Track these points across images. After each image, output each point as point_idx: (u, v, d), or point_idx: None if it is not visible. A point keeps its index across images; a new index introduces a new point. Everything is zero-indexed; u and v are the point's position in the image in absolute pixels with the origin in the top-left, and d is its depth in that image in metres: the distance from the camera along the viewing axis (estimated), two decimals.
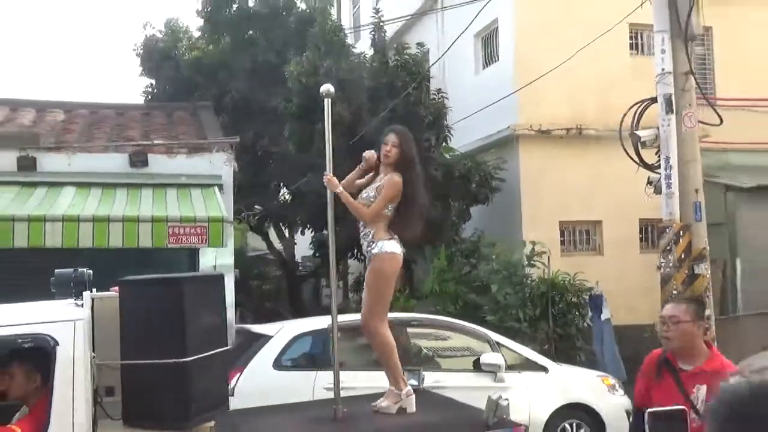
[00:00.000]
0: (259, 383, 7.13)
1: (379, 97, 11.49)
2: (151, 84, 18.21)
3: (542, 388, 7.78)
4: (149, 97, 17.96)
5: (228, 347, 4.05)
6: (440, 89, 12.52)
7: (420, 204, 5.12)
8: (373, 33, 12.34)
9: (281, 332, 7.51)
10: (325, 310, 12.51)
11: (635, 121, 8.85)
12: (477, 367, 7.66)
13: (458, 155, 12.82)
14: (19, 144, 8.88)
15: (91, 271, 3.95)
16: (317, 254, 16.53)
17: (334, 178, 4.99)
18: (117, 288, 3.87)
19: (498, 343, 7.92)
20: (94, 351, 3.71)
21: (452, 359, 7.95)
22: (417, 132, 11.65)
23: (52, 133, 10.50)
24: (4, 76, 49.38)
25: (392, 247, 4.90)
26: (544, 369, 7.96)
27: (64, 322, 3.55)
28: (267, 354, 7.28)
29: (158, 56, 17.26)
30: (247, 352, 7.45)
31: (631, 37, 13.50)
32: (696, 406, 3.32)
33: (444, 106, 12.09)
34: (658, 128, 8.63)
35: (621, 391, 8.16)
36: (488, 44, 14.40)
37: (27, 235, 7.43)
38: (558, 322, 10.26)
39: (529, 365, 7.94)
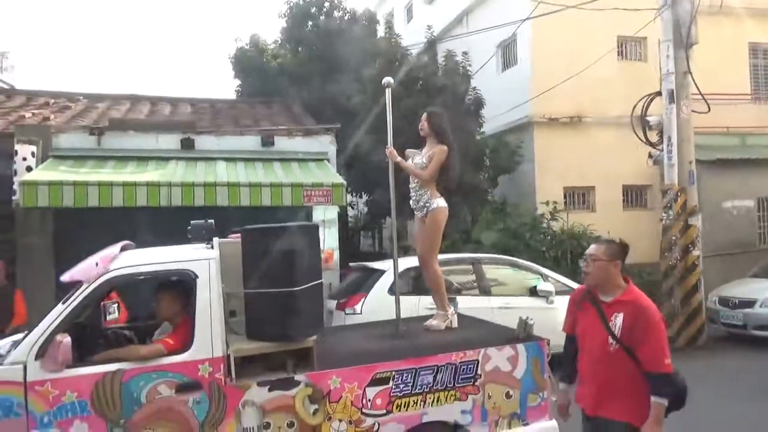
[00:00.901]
0: (378, 305, 7.22)
1: (433, 93, 11.45)
2: (241, 84, 18.15)
3: None
4: (239, 94, 17.90)
5: (321, 280, 3.88)
6: (475, 87, 12.47)
7: (453, 166, 4.93)
8: (426, 44, 12.28)
9: (391, 267, 7.63)
10: (364, 256, 12.65)
11: (644, 110, 8.93)
12: (534, 293, 7.85)
13: (486, 137, 12.84)
14: (180, 129, 8.94)
15: (213, 221, 3.97)
16: (369, 212, 16.56)
17: (394, 150, 4.83)
18: (236, 234, 3.87)
19: (547, 275, 8.10)
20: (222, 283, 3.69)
21: (514, 287, 7.94)
22: (462, 120, 11.75)
23: (193, 120, 10.51)
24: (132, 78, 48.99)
25: (443, 203, 4.83)
26: None
27: (202, 260, 3.55)
28: (383, 283, 7.33)
29: (246, 64, 17.16)
30: (367, 282, 7.60)
31: (618, 46, 13.40)
32: (614, 332, 3.05)
33: (482, 100, 12.05)
34: (662, 115, 8.72)
35: None
36: (507, 52, 14.33)
37: (204, 196, 7.55)
38: (574, 260, 10.40)
39: (569, 291, 8.05)
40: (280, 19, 16.16)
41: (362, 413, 3.64)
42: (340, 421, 3.59)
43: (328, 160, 9.42)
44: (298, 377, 3.52)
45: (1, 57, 21.30)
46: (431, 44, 12.18)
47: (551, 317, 7.76)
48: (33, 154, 7.76)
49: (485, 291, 7.68)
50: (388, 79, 4.83)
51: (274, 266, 3.49)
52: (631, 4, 10.62)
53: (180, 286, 3.72)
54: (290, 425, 3.48)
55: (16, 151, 7.68)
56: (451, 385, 3.81)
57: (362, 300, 7.25)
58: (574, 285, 8.21)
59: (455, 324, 4.76)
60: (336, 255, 9.63)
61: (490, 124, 13.05)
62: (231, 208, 7.95)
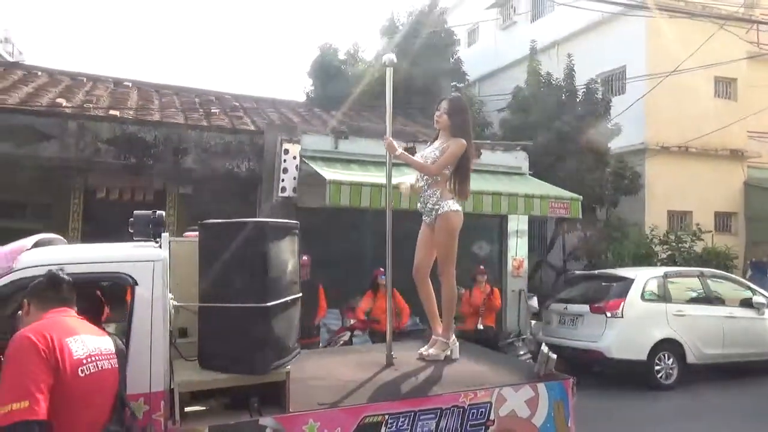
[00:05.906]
0: (634, 309, 8.10)
1: (577, 117, 12.39)
2: (313, 89, 18.54)
3: None
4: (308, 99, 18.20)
5: (300, 294, 3.13)
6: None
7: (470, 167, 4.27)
8: (566, 72, 13.27)
9: (639, 276, 8.39)
10: None
11: None
12: (745, 304, 8.78)
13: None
14: (405, 138, 9.37)
15: (163, 212, 3.16)
16: None
17: (393, 141, 4.15)
18: (192, 233, 3.19)
19: (755, 289, 9.11)
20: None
21: (731, 298, 8.83)
22: (602, 145, 12.74)
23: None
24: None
25: (456, 206, 4.11)
26: None
27: (143, 262, 2.80)
28: (636, 290, 8.18)
29: (328, 70, 17.67)
30: (615, 288, 8.31)
31: (716, 85, 14.96)
32: None
33: (621, 129, 13.03)
34: None
35: None
36: (609, 81, 15.51)
37: (471, 203, 8.02)
38: None
39: None
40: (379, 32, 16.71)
41: None
42: None
43: (530, 175, 10.10)
44: (263, 420, 2.78)
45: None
46: (571, 71, 13.03)
47: (765, 327, 8.87)
48: (299, 153, 8.06)
49: (711, 301, 8.62)
50: (389, 56, 4.17)
51: (238, 273, 2.77)
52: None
53: (112, 295, 2.95)
54: None
55: (286, 150, 7.96)
56: None
57: (621, 304, 8.02)
58: None
59: (456, 354, 4.03)
60: (525, 263, 10.30)
61: None
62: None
